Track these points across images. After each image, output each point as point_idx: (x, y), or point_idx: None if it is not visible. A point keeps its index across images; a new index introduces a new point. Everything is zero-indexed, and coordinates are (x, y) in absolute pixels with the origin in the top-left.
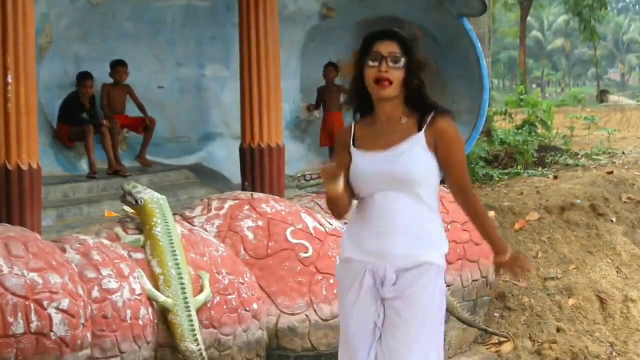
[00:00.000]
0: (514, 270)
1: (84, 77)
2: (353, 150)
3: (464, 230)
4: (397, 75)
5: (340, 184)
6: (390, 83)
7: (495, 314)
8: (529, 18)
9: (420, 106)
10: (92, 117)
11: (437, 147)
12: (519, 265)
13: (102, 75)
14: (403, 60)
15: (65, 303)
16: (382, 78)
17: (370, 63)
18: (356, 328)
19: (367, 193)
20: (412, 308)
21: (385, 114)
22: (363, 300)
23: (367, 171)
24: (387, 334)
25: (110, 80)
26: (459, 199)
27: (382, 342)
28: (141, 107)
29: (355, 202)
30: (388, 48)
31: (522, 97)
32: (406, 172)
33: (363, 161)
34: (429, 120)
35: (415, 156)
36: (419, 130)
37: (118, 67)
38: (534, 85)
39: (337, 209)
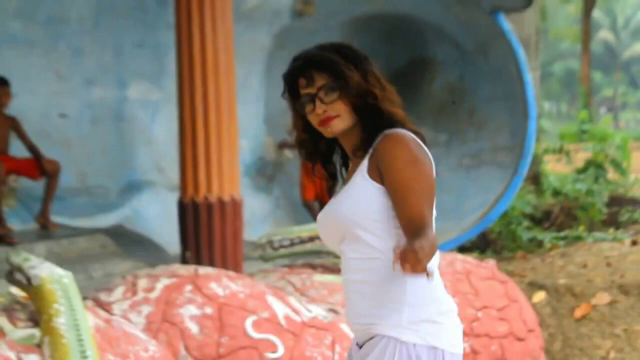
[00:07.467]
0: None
1: None
2: None
3: (501, 320)
4: (339, 106)
5: None
6: (338, 116)
7: None
8: (595, 11)
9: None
10: None
11: (381, 173)
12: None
13: None
14: (337, 85)
15: None
16: (323, 120)
17: (307, 109)
18: None
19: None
20: None
21: (349, 150)
22: None
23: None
24: None
25: None
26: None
27: None
28: (31, 147)
29: None
30: (314, 83)
31: (584, 127)
32: (336, 212)
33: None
34: (378, 140)
35: (349, 190)
36: (364, 156)
37: None
38: (603, 110)
39: None
